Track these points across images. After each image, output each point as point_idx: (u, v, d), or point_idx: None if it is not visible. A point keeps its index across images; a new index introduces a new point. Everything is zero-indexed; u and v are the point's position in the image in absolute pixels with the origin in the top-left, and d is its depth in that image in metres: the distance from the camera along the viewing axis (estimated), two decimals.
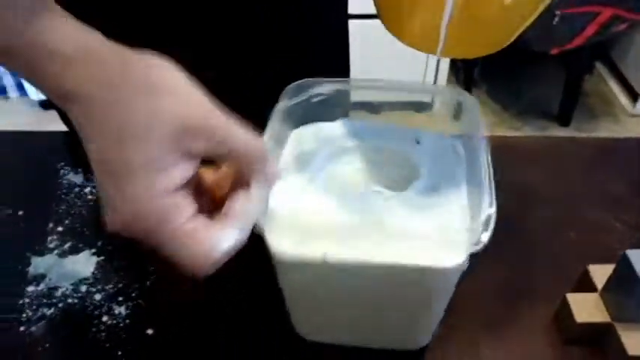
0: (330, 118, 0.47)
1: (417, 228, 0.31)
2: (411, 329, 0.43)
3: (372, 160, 0.45)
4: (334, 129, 0.46)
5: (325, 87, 0.44)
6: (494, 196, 0.34)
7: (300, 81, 0.44)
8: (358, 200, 0.40)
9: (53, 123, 0.73)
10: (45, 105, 2.32)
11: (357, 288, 0.38)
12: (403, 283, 0.36)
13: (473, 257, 0.34)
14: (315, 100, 0.43)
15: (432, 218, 0.37)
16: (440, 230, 0.32)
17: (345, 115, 0.47)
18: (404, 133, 0.45)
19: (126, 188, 0.27)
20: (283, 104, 0.43)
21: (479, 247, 0.33)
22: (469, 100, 0.42)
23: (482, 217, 0.33)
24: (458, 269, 0.35)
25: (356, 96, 0.47)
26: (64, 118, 0.73)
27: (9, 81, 2.39)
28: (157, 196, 0.27)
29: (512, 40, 0.38)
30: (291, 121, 0.45)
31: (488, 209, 0.33)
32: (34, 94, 2.26)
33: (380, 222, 0.32)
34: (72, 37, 0.27)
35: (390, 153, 0.44)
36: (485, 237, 0.32)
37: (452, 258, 0.34)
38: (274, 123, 0.41)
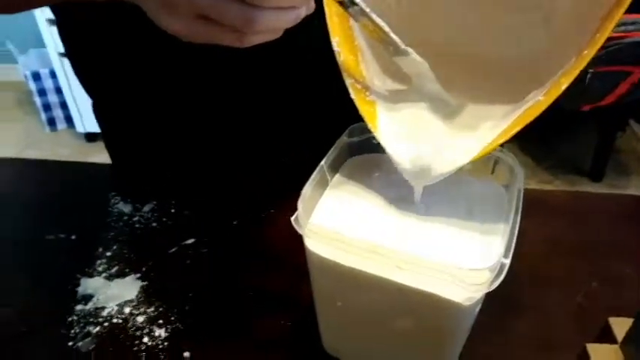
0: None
1: (439, 260, 0.34)
2: None
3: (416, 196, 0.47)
4: (390, 161, 0.49)
5: None
6: (512, 247, 0.36)
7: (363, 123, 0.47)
8: (394, 224, 0.43)
9: (97, 154, 0.79)
10: (90, 137, 2.44)
11: (377, 305, 0.41)
12: (414, 309, 0.39)
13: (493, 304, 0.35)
14: (375, 141, 0.46)
15: (456, 255, 0.39)
16: (459, 268, 0.34)
17: None
18: (453, 175, 0.47)
19: None
20: (345, 139, 0.47)
21: (483, 292, 0.35)
22: (505, 153, 0.45)
23: (496, 265, 0.35)
24: (456, 306, 0.36)
25: None
26: (110, 148, 0.79)
27: (58, 114, 2.53)
28: None
29: None
30: (350, 154, 0.49)
31: (503, 259, 0.35)
32: (81, 126, 2.38)
33: (406, 248, 0.35)
34: None
35: (437, 192, 0.46)
36: (495, 285, 0.34)
37: (456, 293, 0.36)
38: (334, 153, 0.45)
